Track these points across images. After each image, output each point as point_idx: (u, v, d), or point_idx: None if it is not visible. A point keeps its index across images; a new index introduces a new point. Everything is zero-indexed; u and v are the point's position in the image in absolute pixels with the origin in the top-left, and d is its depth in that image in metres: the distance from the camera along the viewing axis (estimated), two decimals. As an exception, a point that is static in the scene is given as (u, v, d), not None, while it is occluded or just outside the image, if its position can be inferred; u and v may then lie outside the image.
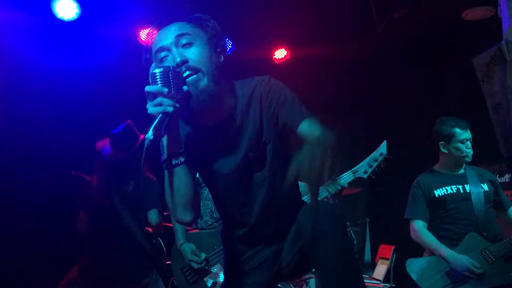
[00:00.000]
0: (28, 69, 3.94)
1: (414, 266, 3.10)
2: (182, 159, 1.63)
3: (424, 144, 3.68)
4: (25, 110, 3.96)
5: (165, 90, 1.51)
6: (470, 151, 3.17)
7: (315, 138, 1.54)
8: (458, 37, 4.52)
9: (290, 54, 5.04)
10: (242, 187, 1.80)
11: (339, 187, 2.76)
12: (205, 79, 1.62)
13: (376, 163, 2.73)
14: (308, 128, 1.67)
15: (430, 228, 3.20)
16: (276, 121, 1.74)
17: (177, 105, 1.52)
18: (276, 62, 5.07)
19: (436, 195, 3.17)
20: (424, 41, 4.76)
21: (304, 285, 3.70)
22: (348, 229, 4.10)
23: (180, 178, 1.64)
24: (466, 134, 3.17)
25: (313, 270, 3.62)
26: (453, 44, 4.58)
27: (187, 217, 1.70)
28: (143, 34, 4.26)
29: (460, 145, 3.17)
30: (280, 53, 5.04)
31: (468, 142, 3.17)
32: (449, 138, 3.19)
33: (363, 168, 2.75)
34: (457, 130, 3.17)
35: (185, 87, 1.57)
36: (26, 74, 3.95)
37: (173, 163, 1.63)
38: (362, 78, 5.39)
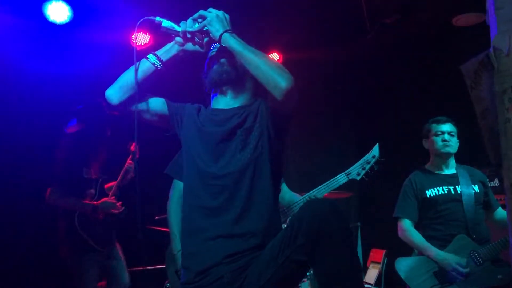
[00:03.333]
0: (19, 72, 3.92)
1: (403, 265, 3.12)
2: (158, 66, 1.91)
3: (415, 148, 3.70)
4: (16, 113, 3.94)
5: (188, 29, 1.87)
6: (445, 143, 3.19)
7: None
8: (449, 42, 4.57)
9: (283, 58, 5.06)
10: (220, 193, 1.79)
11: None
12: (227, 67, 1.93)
13: (369, 166, 2.77)
14: None
15: (420, 227, 3.22)
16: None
17: (187, 44, 1.90)
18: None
19: (428, 196, 3.18)
20: (415, 47, 4.80)
21: (296, 289, 3.70)
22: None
23: (143, 72, 1.89)
24: (442, 127, 3.22)
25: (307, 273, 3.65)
26: (444, 50, 4.62)
27: (113, 97, 1.91)
28: (135, 38, 4.25)
29: (434, 137, 3.24)
30: (273, 57, 5.05)
31: (445, 135, 3.20)
32: (427, 133, 3.29)
33: (356, 170, 2.79)
34: (433, 124, 3.27)
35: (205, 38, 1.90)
36: (17, 77, 3.93)
37: (151, 60, 1.91)
38: (354, 83, 5.42)
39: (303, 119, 4.84)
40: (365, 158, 2.81)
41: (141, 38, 4.27)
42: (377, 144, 2.82)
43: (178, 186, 2.83)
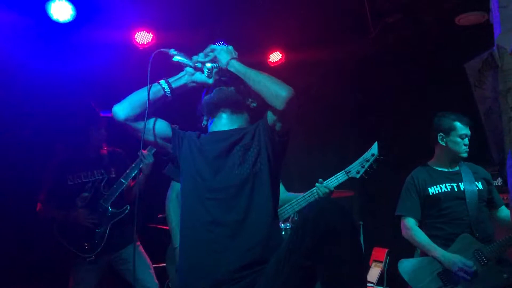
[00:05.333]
0: (22, 70, 3.93)
1: (406, 267, 3.07)
2: (167, 92, 1.99)
3: (417, 147, 3.70)
4: (19, 112, 3.94)
5: (198, 65, 2.00)
6: (466, 148, 3.14)
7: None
8: (452, 41, 4.56)
9: (285, 57, 5.06)
10: (217, 207, 1.81)
11: (327, 190, 2.80)
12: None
13: (368, 164, 2.81)
14: None
15: (423, 226, 3.17)
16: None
17: (196, 75, 2.00)
18: (271, 65, 5.09)
19: (430, 193, 3.13)
20: (417, 46, 4.79)
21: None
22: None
23: (153, 94, 1.95)
24: (466, 130, 3.15)
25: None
26: (447, 49, 4.61)
27: (121, 112, 1.93)
28: (138, 36, 4.26)
29: (458, 139, 3.14)
30: (275, 56, 5.06)
31: (467, 139, 3.14)
32: (449, 131, 3.16)
33: (355, 168, 2.84)
34: (458, 124, 3.15)
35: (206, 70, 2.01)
36: (20, 75, 3.94)
37: (162, 85, 1.99)
38: (355, 82, 5.42)
39: (303, 117, 4.85)
40: (364, 156, 2.84)
41: (143, 37, 4.27)
42: (376, 142, 2.85)
43: (176, 187, 2.88)
